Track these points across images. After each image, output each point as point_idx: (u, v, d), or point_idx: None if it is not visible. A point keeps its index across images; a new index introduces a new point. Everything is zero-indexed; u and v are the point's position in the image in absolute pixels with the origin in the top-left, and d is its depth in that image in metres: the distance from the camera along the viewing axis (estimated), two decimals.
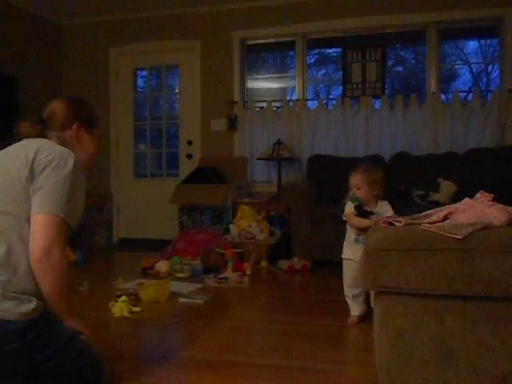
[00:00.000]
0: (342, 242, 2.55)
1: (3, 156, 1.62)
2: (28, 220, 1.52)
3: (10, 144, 1.68)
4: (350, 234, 2.47)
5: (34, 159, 1.53)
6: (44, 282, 1.50)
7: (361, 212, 2.40)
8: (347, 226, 2.49)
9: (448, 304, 1.36)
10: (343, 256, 2.50)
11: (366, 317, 2.42)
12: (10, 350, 1.41)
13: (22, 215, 1.52)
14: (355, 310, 2.47)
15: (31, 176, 1.52)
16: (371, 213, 2.40)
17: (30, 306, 1.44)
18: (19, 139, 1.69)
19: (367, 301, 2.45)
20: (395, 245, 1.38)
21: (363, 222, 2.34)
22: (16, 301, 1.43)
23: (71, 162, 1.57)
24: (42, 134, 1.71)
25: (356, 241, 2.44)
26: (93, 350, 1.66)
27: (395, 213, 2.31)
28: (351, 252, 2.45)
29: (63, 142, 1.70)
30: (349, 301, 2.49)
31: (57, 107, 1.74)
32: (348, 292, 2.48)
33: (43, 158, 1.54)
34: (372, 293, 2.40)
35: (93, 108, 1.86)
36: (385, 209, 2.42)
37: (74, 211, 1.58)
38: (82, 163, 1.67)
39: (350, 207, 2.43)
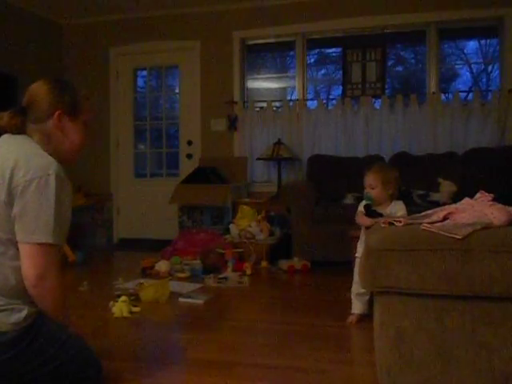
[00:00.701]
0: (342, 242, 2.56)
1: None
2: (12, 240, 1.46)
3: None
4: (362, 233, 2.48)
5: (11, 179, 1.43)
6: (41, 304, 1.49)
7: (369, 212, 2.40)
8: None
9: (448, 304, 1.36)
10: (356, 254, 2.52)
11: (366, 316, 2.42)
12: (4, 360, 1.40)
13: (3, 236, 1.45)
14: (355, 307, 2.48)
15: (9, 200, 1.43)
16: (380, 214, 2.39)
17: (21, 314, 1.43)
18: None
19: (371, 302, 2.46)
20: (395, 245, 1.38)
21: (365, 221, 2.34)
22: (7, 312, 1.41)
23: (52, 178, 1.45)
24: (21, 127, 1.57)
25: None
26: (91, 349, 1.66)
27: (408, 213, 2.31)
28: (361, 250, 2.46)
29: (44, 135, 1.57)
30: (352, 297, 2.50)
31: (38, 95, 1.58)
32: (354, 289, 2.50)
33: (21, 177, 1.43)
34: None
35: (76, 91, 1.65)
36: (398, 208, 2.41)
37: (62, 229, 1.50)
38: (65, 157, 1.60)
39: (361, 206, 2.46)
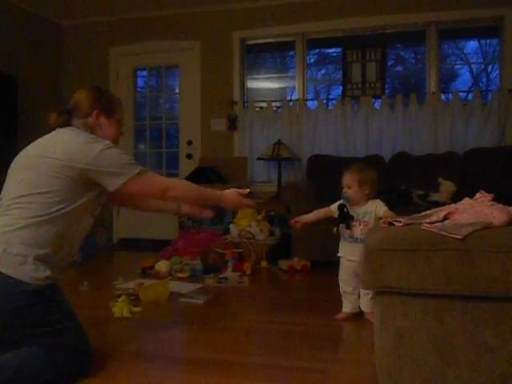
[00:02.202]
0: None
1: (42, 146, 1.84)
2: (72, 197, 1.76)
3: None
4: (342, 232, 2.52)
5: (79, 160, 1.74)
6: (184, 200, 2.03)
7: (341, 213, 2.45)
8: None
9: (448, 304, 1.36)
10: (338, 254, 2.57)
11: (357, 315, 2.47)
12: (16, 307, 1.62)
13: (66, 194, 1.75)
14: (345, 306, 2.52)
15: (85, 175, 1.76)
16: (351, 216, 2.45)
17: (44, 273, 1.66)
18: (50, 130, 1.93)
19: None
20: (395, 245, 1.38)
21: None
22: (34, 267, 1.64)
23: (107, 147, 1.79)
24: (67, 124, 1.91)
25: (344, 238, 2.51)
26: (84, 330, 1.81)
27: (396, 212, 2.32)
28: (342, 249, 2.54)
29: (88, 128, 1.91)
30: (342, 296, 2.55)
31: (79, 98, 1.97)
32: (340, 288, 2.55)
33: (88, 159, 1.75)
34: (364, 295, 2.42)
35: (112, 95, 2.06)
36: (376, 207, 2.43)
37: (133, 160, 1.85)
38: None
39: (335, 205, 2.54)
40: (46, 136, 1.89)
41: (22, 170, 1.80)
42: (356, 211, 2.46)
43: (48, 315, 1.68)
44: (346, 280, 2.50)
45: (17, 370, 1.61)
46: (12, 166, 1.87)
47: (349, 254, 2.46)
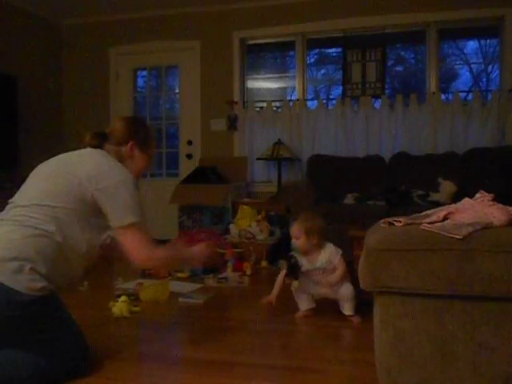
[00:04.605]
0: (342, 242, 2.57)
1: (67, 164, 1.84)
2: (79, 220, 1.74)
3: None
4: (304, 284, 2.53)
5: (100, 181, 1.75)
6: (158, 267, 1.90)
7: (290, 264, 2.45)
8: None
9: (448, 304, 1.36)
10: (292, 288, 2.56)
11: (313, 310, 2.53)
12: (9, 317, 1.60)
13: (70, 213, 1.73)
14: (300, 305, 2.56)
15: (99, 197, 1.75)
16: (299, 267, 2.45)
17: (40, 284, 1.63)
18: (83, 147, 1.94)
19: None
20: (395, 245, 1.38)
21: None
22: (30, 276, 1.61)
23: (131, 178, 1.82)
24: (99, 147, 1.92)
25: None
26: (82, 335, 1.80)
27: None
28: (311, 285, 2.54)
29: (118, 156, 1.92)
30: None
31: (118, 126, 1.98)
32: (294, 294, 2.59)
33: (109, 181, 1.76)
34: (346, 301, 2.44)
35: (149, 130, 2.10)
36: (328, 254, 2.43)
37: (142, 212, 1.82)
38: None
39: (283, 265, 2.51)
40: (75, 152, 1.91)
41: (42, 179, 1.81)
42: (313, 263, 2.46)
43: (42, 324, 1.67)
44: (302, 291, 2.53)
45: (5, 374, 1.61)
46: (33, 173, 1.87)
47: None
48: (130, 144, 1.95)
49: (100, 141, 1.94)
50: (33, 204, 1.72)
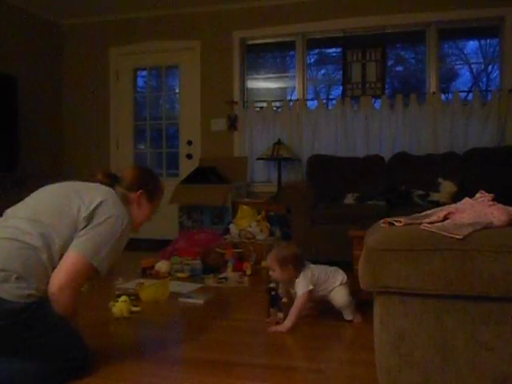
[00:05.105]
0: (342, 242, 2.56)
1: (73, 189, 1.84)
2: (64, 244, 1.72)
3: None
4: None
5: (97, 206, 1.77)
6: (54, 305, 1.71)
7: (271, 297, 2.44)
8: None
9: (448, 304, 1.36)
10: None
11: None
12: (2, 326, 1.59)
13: (62, 237, 1.72)
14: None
15: (89, 218, 1.75)
16: (280, 298, 2.44)
17: (26, 291, 1.63)
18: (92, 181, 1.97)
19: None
20: (395, 245, 1.38)
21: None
22: (17, 284, 1.62)
23: (125, 222, 1.82)
24: (110, 185, 1.96)
25: None
26: (79, 335, 1.80)
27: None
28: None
29: (125, 200, 1.95)
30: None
31: (130, 173, 2.05)
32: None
33: (105, 210, 1.78)
34: (344, 309, 2.44)
35: (159, 183, 2.15)
36: (299, 285, 2.38)
37: (107, 263, 1.79)
38: (132, 224, 1.94)
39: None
40: (86, 183, 1.93)
41: (45, 195, 1.85)
42: (293, 288, 2.43)
43: (37, 329, 1.66)
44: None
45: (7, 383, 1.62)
46: (37, 191, 1.89)
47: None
48: (139, 192, 2.00)
49: (111, 181, 1.99)
50: (27, 218, 1.73)
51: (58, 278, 1.69)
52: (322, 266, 2.53)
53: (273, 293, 2.45)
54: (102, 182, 1.96)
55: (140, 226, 2.08)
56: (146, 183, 2.05)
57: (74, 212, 1.75)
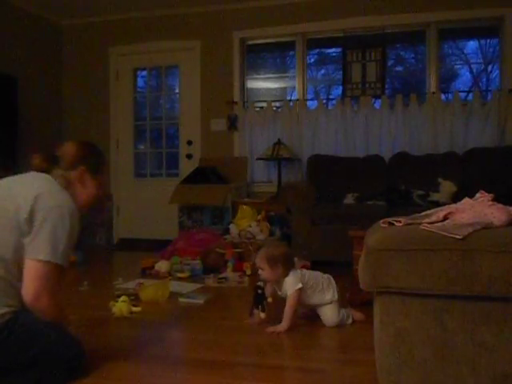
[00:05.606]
0: (342, 242, 2.56)
1: (5, 189, 1.74)
2: (15, 251, 1.64)
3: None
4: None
5: (34, 203, 1.65)
6: (38, 315, 1.68)
7: (256, 295, 2.41)
8: None
9: (448, 304, 1.36)
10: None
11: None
12: None
13: (10, 245, 1.64)
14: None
15: (30, 219, 1.64)
16: (265, 298, 2.41)
17: (1, 310, 1.60)
18: (30, 170, 1.85)
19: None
20: (395, 245, 1.38)
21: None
22: None
23: (70, 210, 1.71)
24: (48, 170, 1.83)
25: None
26: (70, 334, 1.78)
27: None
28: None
29: (66, 182, 1.83)
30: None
31: (68, 150, 1.89)
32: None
33: (43, 204, 1.66)
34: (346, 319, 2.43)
35: (101, 156, 2.00)
36: (288, 284, 2.36)
37: (68, 255, 1.72)
38: (79, 206, 1.82)
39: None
40: (16, 177, 1.81)
41: None
42: (283, 291, 2.41)
43: (23, 342, 1.63)
44: None
45: None
46: None
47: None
48: (80, 168, 1.86)
49: (50, 164, 1.85)
50: None
51: (29, 290, 1.63)
52: (314, 272, 2.53)
53: (259, 291, 2.42)
54: (40, 169, 1.84)
55: (88, 206, 1.94)
56: (87, 158, 1.89)
57: (11, 215, 1.64)
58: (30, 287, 1.63)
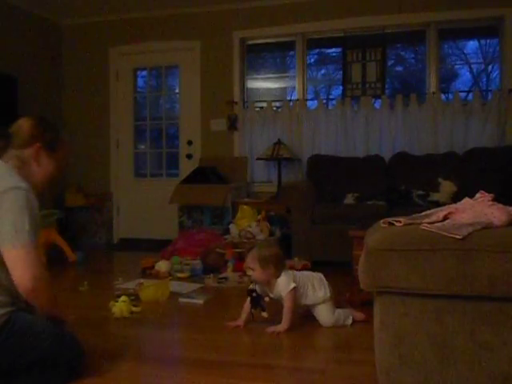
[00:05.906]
0: (342, 242, 2.55)
1: None
2: None
3: None
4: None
5: None
6: (38, 303, 1.67)
7: (252, 298, 2.38)
8: None
9: (448, 304, 1.36)
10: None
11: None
12: None
13: None
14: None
15: None
16: (262, 298, 2.39)
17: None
18: None
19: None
20: (395, 245, 1.38)
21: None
22: None
23: (24, 191, 1.62)
24: (3, 150, 1.76)
25: None
26: (69, 334, 1.77)
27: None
28: None
29: (20, 161, 1.74)
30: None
31: (23, 125, 1.79)
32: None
33: None
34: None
35: (58, 132, 1.89)
36: (280, 287, 2.35)
37: (34, 231, 1.63)
38: (34, 184, 1.74)
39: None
40: None
41: None
42: (275, 293, 2.39)
43: (24, 343, 1.62)
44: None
45: None
46: None
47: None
48: (36, 145, 1.76)
49: (4, 143, 1.76)
50: None
51: (25, 276, 1.57)
52: (304, 271, 2.52)
53: (254, 294, 2.39)
54: None
55: (44, 185, 1.85)
56: (42, 134, 1.78)
57: None
58: (24, 273, 1.57)
